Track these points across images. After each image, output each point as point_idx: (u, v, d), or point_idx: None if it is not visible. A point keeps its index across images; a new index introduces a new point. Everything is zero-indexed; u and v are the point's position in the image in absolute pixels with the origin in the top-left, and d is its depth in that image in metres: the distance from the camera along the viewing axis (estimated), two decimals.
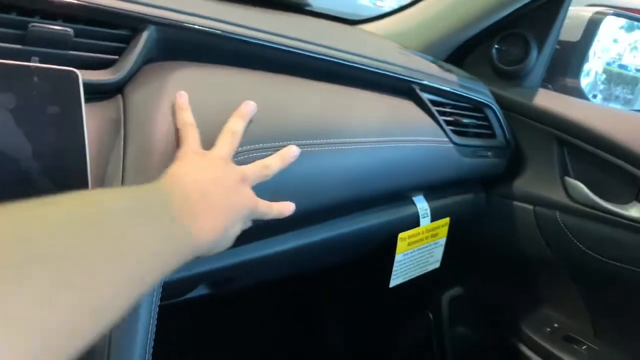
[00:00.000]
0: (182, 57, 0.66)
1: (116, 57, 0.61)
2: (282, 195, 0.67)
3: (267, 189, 0.64)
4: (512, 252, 1.15)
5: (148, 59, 0.63)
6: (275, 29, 0.78)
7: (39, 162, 0.50)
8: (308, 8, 1.23)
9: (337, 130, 0.76)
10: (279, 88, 0.74)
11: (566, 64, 1.22)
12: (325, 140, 0.74)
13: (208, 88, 0.64)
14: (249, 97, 0.67)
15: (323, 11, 1.30)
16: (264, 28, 0.75)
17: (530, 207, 1.09)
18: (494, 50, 1.14)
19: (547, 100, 1.08)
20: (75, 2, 0.57)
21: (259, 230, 0.70)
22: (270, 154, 0.64)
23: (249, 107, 0.62)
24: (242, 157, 0.62)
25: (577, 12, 1.23)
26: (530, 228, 1.09)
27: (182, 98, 0.58)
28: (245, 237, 0.63)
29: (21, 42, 0.55)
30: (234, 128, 0.59)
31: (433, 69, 1.02)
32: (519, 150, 1.11)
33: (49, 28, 0.56)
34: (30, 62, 0.53)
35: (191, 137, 0.55)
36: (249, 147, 0.63)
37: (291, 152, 0.64)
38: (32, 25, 0.55)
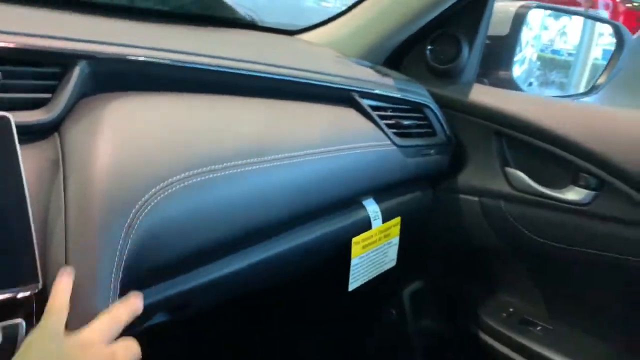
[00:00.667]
0: (117, 88, 0.66)
1: (49, 95, 0.61)
2: (231, 214, 0.68)
3: (214, 209, 0.65)
4: (463, 243, 1.19)
5: (82, 94, 0.63)
6: (211, 49, 0.78)
7: None
8: (246, 22, 1.24)
9: (280, 145, 0.78)
10: (218, 109, 0.74)
11: (498, 57, 1.27)
12: (269, 157, 0.75)
13: (146, 117, 0.65)
14: (187, 121, 0.68)
15: (260, 23, 1.31)
16: (199, 49, 0.76)
17: (476, 198, 1.13)
18: (427, 51, 1.17)
19: (482, 95, 1.12)
20: (16, 47, 0.57)
21: (214, 251, 0.70)
22: (212, 177, 0.65)
23: (138, 301, 0.55)
24: (183, 184, 0.62)
25: (503, 7, 1.28)
26: (478, 219, 1.14)
27: (64, 278, 0.50)
28: (195, 261, 0.63)
29: None
30: (115, 313, 0.52)
31: (371, 74, 1.04)
32: (460, 145, 1.15)
33: None
34: None
35: (52, 321, 0.48)
36: (189, 173, 0.63)
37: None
38: None
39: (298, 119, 0.84)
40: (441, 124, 1.11)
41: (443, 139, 1.11)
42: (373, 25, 1.15)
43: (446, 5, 1.11)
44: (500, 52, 1.28)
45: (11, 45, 0.57)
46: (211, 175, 0.65)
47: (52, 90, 0.61)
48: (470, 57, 1.15)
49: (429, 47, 1.17)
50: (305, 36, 1.30)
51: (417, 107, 1.07)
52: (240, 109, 0.78)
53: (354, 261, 0.99)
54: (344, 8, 1.29)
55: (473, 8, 1.13)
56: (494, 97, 1.12)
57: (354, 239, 0.97)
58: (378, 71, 1.08)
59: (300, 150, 0.80)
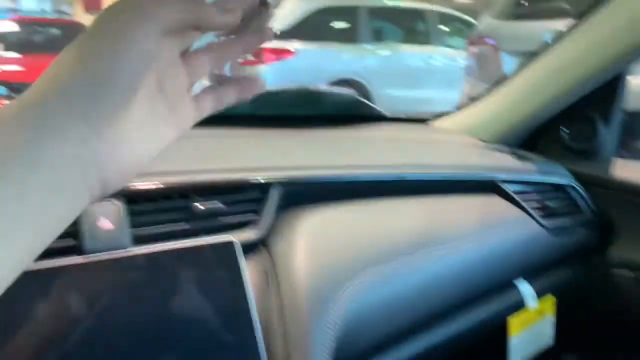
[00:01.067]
0: (305, 203, 0.81)
1: (253, 217, 0.75)
2: (412, 301, 0.78)
3: (398, 298, 0.75)
4: (620, 319, 1.18)
5: (279, 212, 0.77)
6: (371, 157, 0.92)
7: (210, 326, 0.63)
8: (382, 115, 1.38)
9: (438, 236, 0.87)
10: (386, 210, 0.86)
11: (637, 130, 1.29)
12: (433, 247, 0.85)
13: (332, 225, 0.78)
14: (365, 224, 0.80)
15: (396, 116, 1.44)
16: (364, 160, 0.89)
17: (632, 274, 1.13)
18: (564, 132, 1.22)
19: (625, 169, 1.14)
20: (223, 179, 0.73)
21: (397, 338, 0.80)
22: (392, 269, 0.76)
23: None
24: (370, 278, 0.73)
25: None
26: (633, 294, 1.13)
27: None
28: (378, 349, 0.73)
29: (187, 221, 0.70)
30: None
31: (512, 161, 1.12)
32: (609, 220, 1.16)
33: (207, 206, 0.71)
34: (198, 237, 0.68)
35: None
36: (373, 268, 0.74)
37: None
38: (194, 206, 0.71)
39: (449, 212, 0.94)
40: (586, 202, 1.14)
41: (589, 216, 1.14)
42: (511, 112, 1.23)
43: (587, 90, 1.16)
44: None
45: (230, 180, 0.74)
46: (391, 268, 0.76)
47: (254, 211, 0.76)
48: (608, 134, 1.18)
49: (564, 128, 1.22)
50: (439, 123, 1.41)
51: (560, 188, 1.12)
52: (402, 208, 0.89)
53: (511, 340, 1.03)
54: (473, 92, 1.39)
55: (607, 88, 1.17)
56: (636, 171, 1.13)
57: (510, 319, 1.02)
58: (518, 156, 1.15)
59: (453, 240, 0.89)
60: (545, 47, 1.18)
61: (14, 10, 12.01)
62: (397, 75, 6.57)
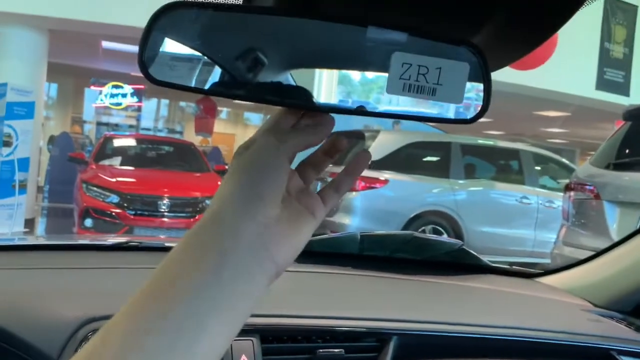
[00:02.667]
0: (419, 356, 0.83)
1: None
2: None
3: None
4: None
5: None
6: (475, 312, 0.94)
7: None
8: (487, 267, 1.40)
9: None
10: None
11: None
12: None
13: None
14: None
15: (501, 267, 1.45)
16: (473, 318, 0.92)
17: None
18: None
19: None
20: (351, 329, 0.78)
21: None
22: None
23: None
24: None
25: None
26: None
27: None
28: None
29: None
30: None
31: (627, 330, 1.09)
32: None
33: (330, 351, 0.76)
34: None
35: None
36: None
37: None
38: (319, 351, 0.76)
39: None
40: None
41: None
42: (626, 277, 1.21)
43: None
44: None
45: (354, 329, 0.79)
46: None
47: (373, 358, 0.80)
48: None
49: None
50: (546, 279, 1.40)
51: None
52: None
53: None
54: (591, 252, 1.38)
55: None
56: None
57: None
58: (634, 325, 1.12)
59: None
60: None
61: (134, 127, 13.37)
62: (489, 212, 6.53)
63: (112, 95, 11.65)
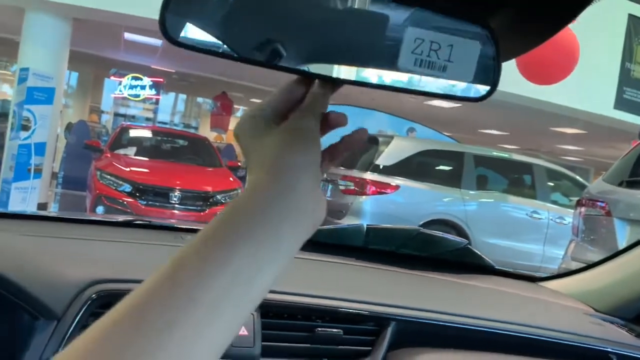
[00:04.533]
0: (415, 344, 0.84)
1: (367, 348, 0.80)
2: None
3: None
4: None
5: (390, 347, 0.81)
6: (476, 307, 0.94)
7: None
8: (491, 268, 1.40)
9: None
10: None
11: None
12: None
13: None
14: None
15: (506, 269, 1.46)
16: (473, 311, 0.92)
17: None
18: None
19: None
20: (351, 310, 0.79)
21: None
22: None
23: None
24: None
25: None
26: None
27: None
28: None
29: (309, 342, 0.76)
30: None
31: (627, 336, 1.09)
32: None
33: (329, 331, 0.77)
34: None
35: None
36: None
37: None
38: (318, 330, 0.77)
39: None
40: None
41: None
42: (628, 285, 1.21)
43: None
44: None
45: (356, 311, 0.80)
46: None
47: (369, 343, 0.81)
48: None
49: None
50: (550, 284, 1.40)
51: None
52: None
53: None
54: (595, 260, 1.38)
55: None
56: None
57: None
58: (632, 330, 1.12)
59: None
60: None
61: (151, 120, 13.49)
62: (498, 224, 6.50)
63: (131, 87, 11.77)
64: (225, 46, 0.47)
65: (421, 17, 0.48)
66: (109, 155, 6.61)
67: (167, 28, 0.43)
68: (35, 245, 0.89)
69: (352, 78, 0.49)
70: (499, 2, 0.46)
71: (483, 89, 0.46)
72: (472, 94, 0.47)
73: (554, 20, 0.46)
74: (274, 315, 0.77)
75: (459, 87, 0.48)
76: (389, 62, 0.49)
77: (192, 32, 0.46)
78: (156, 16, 0.44)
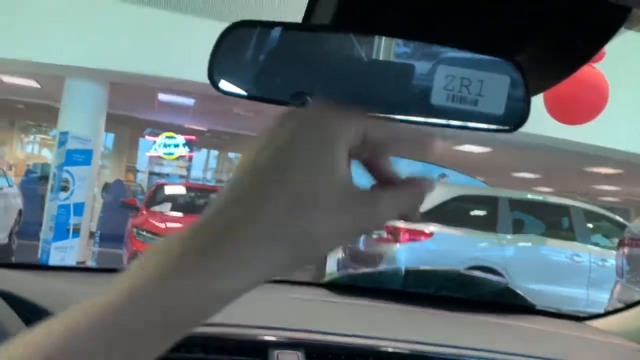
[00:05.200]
0: None
1: None
2: None
3: None
4: None
5: None
6: (520, 347, 0.92)
7: None
8: (534, 308, 1.37)
9: None
10: None
11: None
12: None
13: None
14: None
15: (550, 310, 1.42)
16: (515, 348, 0.90)
17: None
18: None
19: None
20: (392, 350, 0.79)
21: None
22: None
23: None
24: None
25: None
26: None
27: None
28: None
29: None
30: None
31: None
32: None
33: None
34: None
35: None
36: None
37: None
38: None
39: None
40: None
41: None
42: None
43: None
44: None
45: (388, 349, 0.79)
46: None
47: None
48: None
49: None
50: (596, 323, 1.36)
51: None
52: None
53: None
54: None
55: None
56: None
57: None
58: None
59: None
60: None
61: (184, 177, 13.77)
62: (538, 269, 6.33)
63: (165, 145, 12.09)
64: (266, 92, 0.51)
65: (451, 55, 0.50)
66: (144, 212, 6.75)
67: (215, 77, 0.47)
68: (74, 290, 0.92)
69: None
70: (524, 37, 0.49)
71: (514, 120, 0.48)
72: (504, 126, 0.49)
73: (577, 55, 0.48)
74: (318, 356, 0.77)
75: (491, 119, 0.50)
76: (422, 101, 0.51)
77: (235, 80, 0.50)
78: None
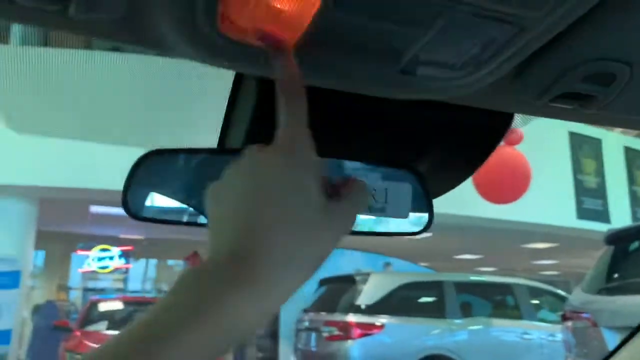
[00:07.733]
0: None
1: None
2: None
3: None
4: None
5: None
6: None
7: None
8: None
9: None
10: None
11: None
12: None
13: None
14: None
15: None
16: None
17: None
18: None
19: None
20: None
21: None
22: None
23: None
24: None
25: None
26: None
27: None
28: None
29: None
30: None
31: None
32: None
33: None
34: None
35: None
36: None
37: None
38: None
39: None
40: None
41: None
42: None
43: None
44: None
45: None
46: None
47: None
48: None
49: None
50: None
51: None
52: None
53: None
54: None
55: None
56: None
57: None
58: None
59: None
60: None
61: (121, 290, 13.16)
62: (492, 351, 6.28)
63: (100, 259, 11.61)
64: (183, 216, 0.52)
65: (357, 168, 0.51)
66: (78, 334, 6.33)
67: (130, 207, 0.48)
68: None
69: None
70: (421, 150, 0.50)
71: (421, 223, 0.49)
72: (411, 229, 0.50)
73: (470, 162, 0.50)
74: None
75: (399, 224, 0.50)
76: None
77: (150, 209, 0.50)
78: (121, 187, 0.49)
